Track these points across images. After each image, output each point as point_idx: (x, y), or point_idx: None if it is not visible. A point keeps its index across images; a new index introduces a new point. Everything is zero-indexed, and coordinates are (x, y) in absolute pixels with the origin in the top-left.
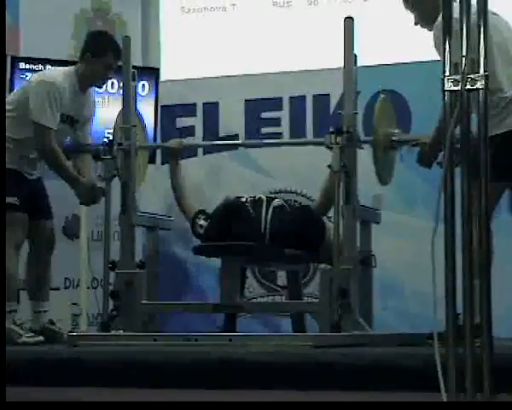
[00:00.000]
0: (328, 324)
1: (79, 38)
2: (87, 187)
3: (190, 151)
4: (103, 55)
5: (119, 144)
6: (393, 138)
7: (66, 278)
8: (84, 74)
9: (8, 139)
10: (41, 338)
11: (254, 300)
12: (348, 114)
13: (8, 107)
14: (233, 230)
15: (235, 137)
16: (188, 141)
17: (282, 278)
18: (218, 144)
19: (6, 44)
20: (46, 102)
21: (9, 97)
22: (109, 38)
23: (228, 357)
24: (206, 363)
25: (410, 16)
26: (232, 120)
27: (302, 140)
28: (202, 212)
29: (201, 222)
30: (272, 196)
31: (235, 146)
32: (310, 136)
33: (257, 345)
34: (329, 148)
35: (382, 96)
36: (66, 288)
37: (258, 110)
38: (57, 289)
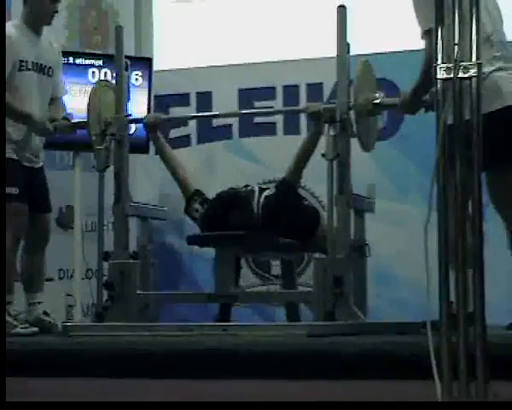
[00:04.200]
0: (322, 313)
1: (72, 28)
2: (40, 124)
3: (184, 141)
4: None
5: (112, 134)
6: (375, 102)
7: (60, 269)
8: (32, 14)
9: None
10: (35, 329)
11: (249, 289)
12: (342, 103)
13: None
14: (229, 220)
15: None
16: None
17: (276, 267)
18: (196, 116)
19: None
20: None
21: None
22: None
23: (222, 347)
24: (200, 353)
25: (402, 4)
26: (225, 110)
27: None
28: (198, 193)
29: (197, 206)
30: (264, 186)
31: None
32: (303, 125)
33: (251, 335)
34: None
35: (362, 60)
36: (60, 279)
37: (251, 99)
38: (51, 279)
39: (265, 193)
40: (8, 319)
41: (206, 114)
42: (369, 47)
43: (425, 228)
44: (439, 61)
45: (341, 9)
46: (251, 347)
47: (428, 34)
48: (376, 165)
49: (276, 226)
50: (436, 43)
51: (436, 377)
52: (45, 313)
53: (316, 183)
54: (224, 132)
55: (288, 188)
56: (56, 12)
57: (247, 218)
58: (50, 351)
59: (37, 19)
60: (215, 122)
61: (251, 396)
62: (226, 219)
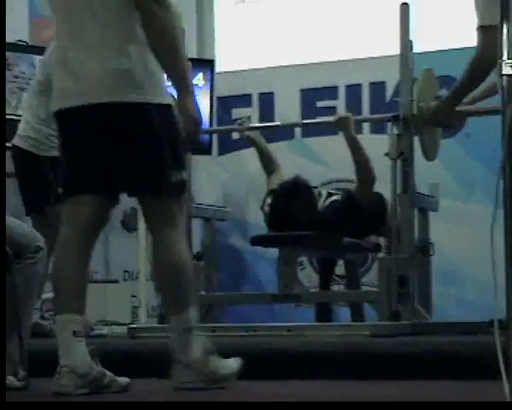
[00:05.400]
0: (387, 313)
1: None
2: None
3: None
4: None
5: None
6: None
7: (125, 271)
8: None
9: (38, 121)
10: (104, 332)
11: (313, 289)
12: (405, 102)
13: (37, 87)
14: (292, 208)
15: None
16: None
17: (340, 267)
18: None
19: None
20: None
21: (37, 76)
22: None
23: (287, 347)
24: (265, 353)
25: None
26: (288, 110)
27: None
28: (272, 191)
29: (268, 200)
30: (333, 191)
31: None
32: (366, 123)
33: (315, 335)
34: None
35: (424, 69)
36: (125, 280)
37: (313, 99)
38: (116, 281)
39: (333, 198)
40: None
41: (271, 124)
42: (433, 44)
43: (491, 226)
44: (505, 57)
45: (404, 7)
46: (315, 347)
47: (482, 30)
48: (440, 163)
49: (342, 228)
50: (501, 39)
51: (504, 376)
52: (42, 317)
53: (379, 182)
54: (286, 133)
55: (353, 204)
56: None
57: (310, 207)
58: (116, 352)
59: None
60: (277, 122)
61: (314, 396)
62: (290, 207)
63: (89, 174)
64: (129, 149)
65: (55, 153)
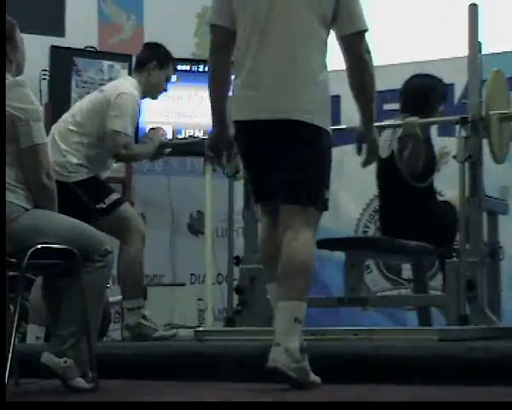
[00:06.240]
0: (455, 317)
1: (202, 37)
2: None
3: None
4: (167, 66)
5: None
6: (508, 115)
7: (192, 274)
8: (148, 85)
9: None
10: (174, 331)
11: (379, 293)
12: (473, 104)
13: (79, 129)
14: None
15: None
16: None
17: (406, 271)
18: None
19: (130, 44)
20: (129, 115)
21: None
22: (167, 50)
23: (352, 351)
24: (332, 357)
25: None
26: (354, 113)
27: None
28: None
29: None
30: None
31: None
32: (433, 126)
33: (382, 339)
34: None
35: (494, 70)
36: (192, 283)
37: (379, 102)
38: (183, 284)
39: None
40: (145, 322)
41: (338, 127)
42: (500, 45)
43: None
44: None
45: (473, 7)
46: (382, 351)
47: None
48: (511, 166)
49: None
50: None
51: None
52: (143, 317)
53: (446, 185)
54: (353, 136)
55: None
56: (165, 90)
57: None
58: (183, 355)
59: (151, 91)
60: (343, 125)
61: (381, 400)
62: None
63: (262, 186)
64: (300, 162)
65: (81, 176)
